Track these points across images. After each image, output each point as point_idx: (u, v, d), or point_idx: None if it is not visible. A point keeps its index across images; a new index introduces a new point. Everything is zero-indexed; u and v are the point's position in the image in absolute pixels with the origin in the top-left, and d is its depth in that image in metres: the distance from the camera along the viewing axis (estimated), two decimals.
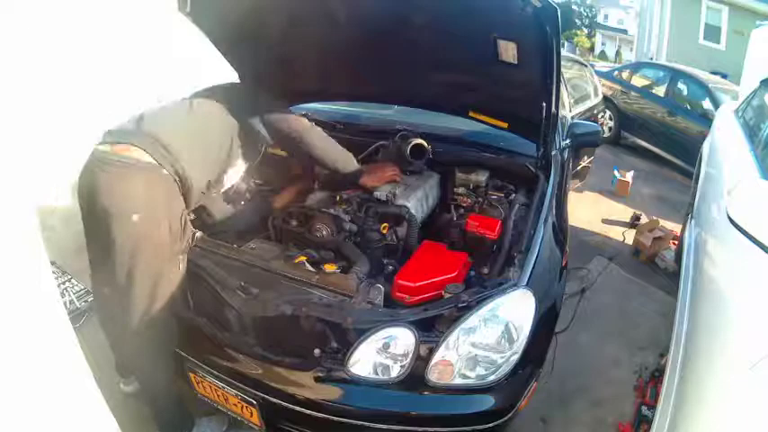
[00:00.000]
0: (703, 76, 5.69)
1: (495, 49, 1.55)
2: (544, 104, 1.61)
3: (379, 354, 1.23)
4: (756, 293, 1.13)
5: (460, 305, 1.23)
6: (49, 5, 2.49)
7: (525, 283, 1.30)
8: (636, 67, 7.09)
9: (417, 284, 1.36)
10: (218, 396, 1.40)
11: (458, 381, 1.22)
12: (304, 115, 2.18)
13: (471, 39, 1.57)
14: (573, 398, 1.92)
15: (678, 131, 5.28)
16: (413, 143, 1.84)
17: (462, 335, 1.22)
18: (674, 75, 5.86)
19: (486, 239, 1.64)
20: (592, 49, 27.08)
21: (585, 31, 27.54)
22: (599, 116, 4.11)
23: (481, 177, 1.90)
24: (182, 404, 1.52)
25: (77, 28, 2.60)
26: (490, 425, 1.26)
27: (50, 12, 2.50)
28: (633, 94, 6.18)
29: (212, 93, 1.53)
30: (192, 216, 1.52)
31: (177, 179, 1.29)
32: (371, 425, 1.23)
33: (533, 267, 1.36)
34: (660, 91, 5.90)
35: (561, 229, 1.72)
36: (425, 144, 1.86)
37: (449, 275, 1.38)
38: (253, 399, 1.31)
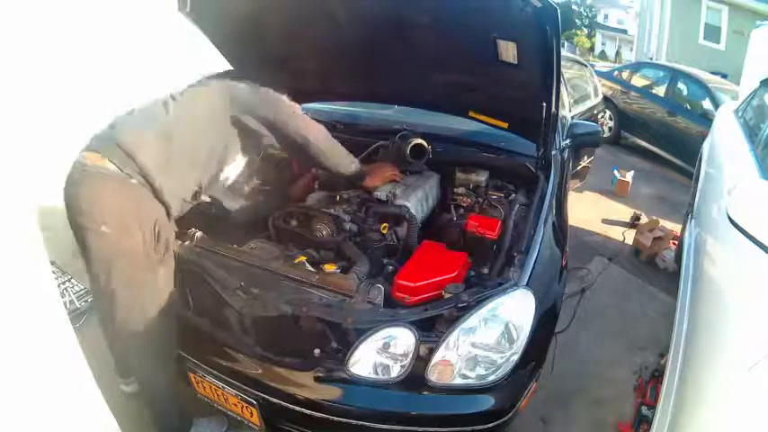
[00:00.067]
0: (703, 76, 5.68)
1: (495, 49, 1.55)
2: (544, 104, 1.61)
3: (379, 354, 1.23)
4: (756, 293, 1.13)
5: (460, 305, 1.23)
6: (49, 5, 2.49)
7: (525, 283, 1.30)
8: (636, 67, 7.09)
9: (417, 284, 1.36)
10: (218, 396, 1.40)
11: (458, 381, 1.22)
12: None
13: (471, 39, 1.57)
14: (573, 398, 1.92)
15: (678, 131, 5.28)
16: (413, 143, 1.84)
17: (462, 335, 1.22)
18: (674, 75, 5.86)
19: (486, 239, 1.63)
20: (592, 49, 27.08)
21: (585, 31, 27.54)
22: (599, 116, 4.11)
23: (481, 177, 1.90)
24: (182, 406, 1.52)
25: (78, 28, 2.61)
26: (490, 425, 1.26)
27: (51, 12, 2.50)
28: (633, 94, 6.18)
29: (198, 91, 1.42)
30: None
31: (148, 188, 1.24)
32: (371, 425, 1.23)
33: (533, 267, 1.36)
34: (660, 91, 5.90)
35: (561, 229, 1.72)
36: (425, 144, 1.86)
37: (449, 275, 1.38)
38: (253, 399, 1.31)
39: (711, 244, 1.73)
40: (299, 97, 2.21)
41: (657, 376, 2.00)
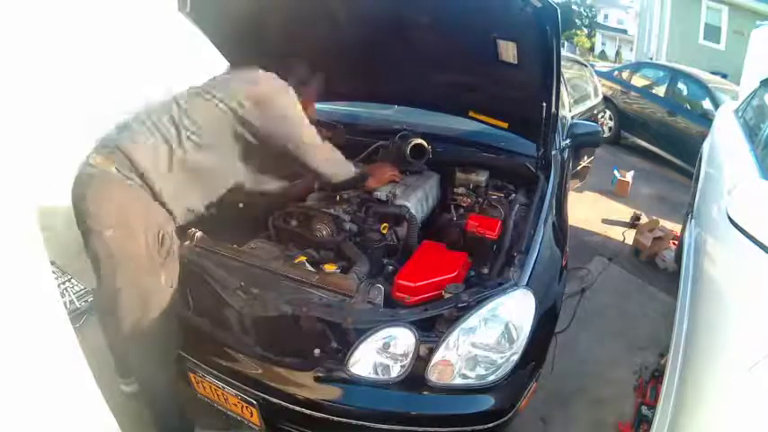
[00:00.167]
0: (703, 76, 5.68)
1: (495, 49, 1.55)
2: (544, 104, 1.61)
3: (379, 354, 1.23)
4: (756, 293, 1.13)
5: (460, 305, 1.23)
6: (50, 5, 2.49)
7: (525, 283, 1.30)
8: (636, 67, 7.09)
9: (417, 284, 1.36)
10: (218, 396, 1.40)
11: (458, 381, 1.22)
12: None
13: (471, 39, 1.57)
14: (573, 398, 1.92)
15: (678, 131, 5.28)
16: (413, 143, 1.84)
17: (462, 335, 1.22)
18: (674, 75, 5.86)
19: (486, 239, 1.64)
20: (592, 49, 27.08)
21: (585, 31, 27.53)
22: (599, 116, 4.11)
23: (481, 177, 1.90)
24: (182, 408, 1.52)
25: (78, 28, 2.61)
26: (490, 425, 1.26)
27: (51, 12, 2.50)
28: (633, 94, 6.17)
29: (204, 100, 1.35)
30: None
31: (147, 189, 1.24)
32: (371, 425, 1.23)
33: (533, 267, 1.36)
34: (660, 91, 5.90)
35: (561, 229, 1.72)
36: (425, 144, 1.86)
37: (449, 275, 1.38)
38: (253, 399, 1.31)
39: (711, 244, 1.73)
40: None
41: (657, 376, 2.00)
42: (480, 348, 1.23)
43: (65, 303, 2.10)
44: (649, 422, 1.69)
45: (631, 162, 5.40)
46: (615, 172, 4.47)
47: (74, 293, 2.22)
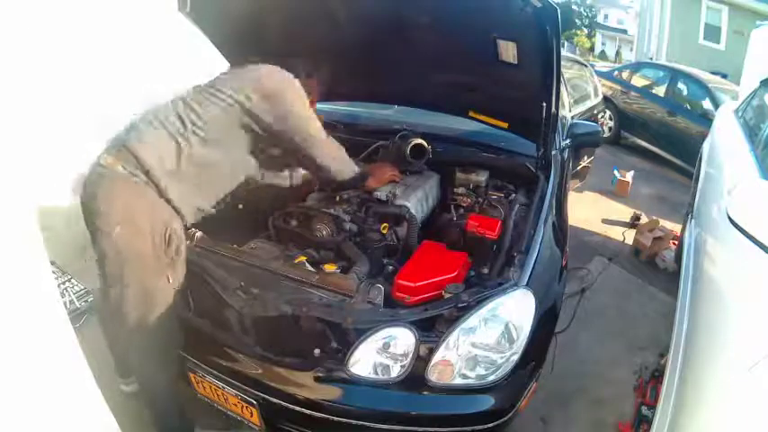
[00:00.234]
0: (703, 76, 5.68)
1: (495, 49, 1.55)
2: (544, 104, 1.61)
3: (379, 354, 1.23)
4: (756, 293, 1.13)
5: (460, 305, 1.23)
6: (50, 5, 2.49)
7: (525, 283, 1.30)
8: (636, 67, 7.09)
9: (417, 284, 1.36)
10: (218, 396, 1.40)
11: (458, 381, 1.22)
12: None
13: (471, 39, 1.57)
14: (573, 398, 1.92)
15: (678, 131, 5.28)
16: (413, 143, 1.84)
17: (462, 335, 1.22)
18: (674, 75, 5.86)
19: (486, 239, 1.64)
20: (592, 49, 27.08)
21: (585, 31, 27.53)
22: (599, 116, 4.11)
23: (481, 177, 1.90)
24: (182, 408, 1.52)
25: (78, 27, 2.61)
26: (490, 425, 1.26)
27: (51, 11, 2.50)
28: (633, 94, 6.17)
29: (212, 98, 1.34)
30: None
31: (155, 189, 1.24)
32: (371, 425, 1.23)
33: (533, 267, 1.36)
34: (660, 91, 5.90)
35: (561, 229, 1.72)
36: (425, 144, 1.86)
37: (449, 275, 1.38)
38: (253, 399, 1.31)
39: (711, 244, 1.73)
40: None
41: (657, 376, 2.00)
42: (480, 348, 1.23)
43: (65, 303, 2.10)
44: (649, 422, 1.69)
45: (631, 162, 5.40)
46: (615, 172, 4.47)
47: (74, 293, 2.22)
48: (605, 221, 3.75)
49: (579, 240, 3.23)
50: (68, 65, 2.55)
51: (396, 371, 1.22)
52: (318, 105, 2.34)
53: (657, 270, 3.07)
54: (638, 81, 6.41)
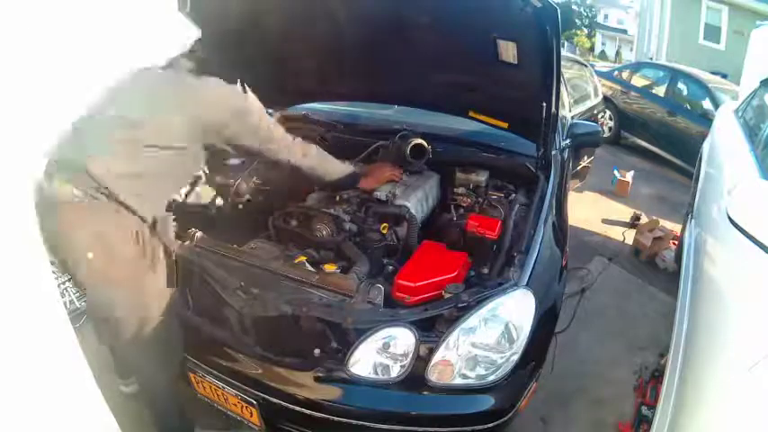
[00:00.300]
0: (703, 76, 5.68)
1: (495, 49, 1.55)
2: (544, 104, 1.61)
3: (379, 354, 1.23)
4: (756, 293, 1.13)
5: (460, 305, 1.23)
6: (49, 5, 2.49)
7: (525, 283, 1.30)
8: (636, 67, 7.08)
9: (417, 284, 1.36)
10: (218, 396, 1.40)
11: (458, 381, 1.23)
12: (304, 115, 2.18)
13: (471, 39, 1.57)
14: (573, 398, 1.92)
15: (678, 131, 5.28)
16: (413, 143, 1.84)
17: (462, 335, 1.22)
18: (674, 75, 5.86)
19: (486, 239, 1.63)
20: (592, 49, 27.07)
21: (585, 31, 27.52)
22: (599, 116, 4.11)
23: (481, 177, 1.90)
24: (182, 408, 1.52)
25: (77, 27, 2.61)
26: (490, 425, 1.26)
27: (51, 11, 2.50)
28: (633, 94, 6.17)
29: (166, 106, 1.28)
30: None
31: (115, 203, 1.18)
32: (371, 425, 1.23)
33: (533, 267, 1.36)
34: (660, 91, 5.90)
35: (561, 229, 1.72)
36: (425, 144, 1.86)
37: (449, 275, 1.38)
38: (253, 399, 1.31)
39: (711, 244, 1.73)
40: (299, 97, 2.22)
41: (657, 376, 2.00)
42: (480, 348, 1.23)
43: (65, 303, 2.10)
44: (649, 422, 1.69)
45: (631, 162, 5.40)
46: (615, 172, 4.47)
47: (74, 293, 2.21)
48: (605, 221, 3.75)
49: (579, 240, 3.23)
50: (69, 65, 2.55)
51: (396, 371, 1.22)
52: (318, 105, 2.35)
53: (657, 270, 3.07)
54: (638, 81, 6.40)
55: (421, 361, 1.22)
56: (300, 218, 1.70)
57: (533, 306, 1.28)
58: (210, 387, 1.40)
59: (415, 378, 1.21)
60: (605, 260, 3.06)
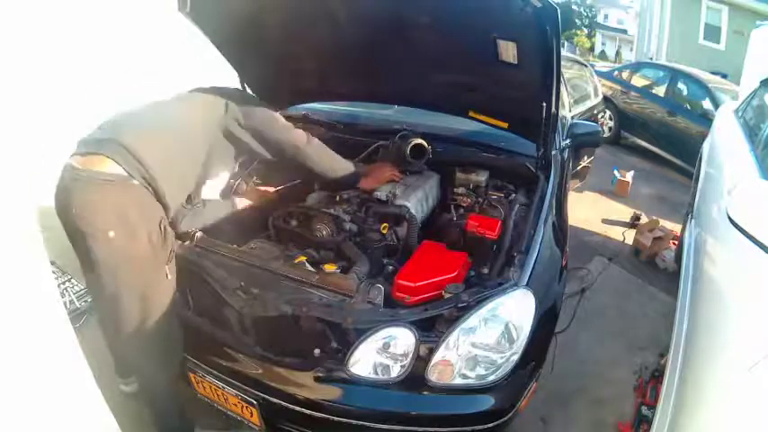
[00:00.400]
0: (703, 76, 5.68)
1: (495, 49, 1.55)
2: (544, 104, 1.61)
3: (379, 354, 1.23)
4: (756, 293, 1.13)
5: (460, 305, 1.23)
6: (50, 5, 2.49)
7: (525, 283, 1.30)
8: (636, 67, 7.08)
9: (417, 284, 1.36)
10: (218, 396, 1.40)
11: (458, 381, 1.22)
12: (304, 115, 2.19)
13: (471, 39, 1.57)
14: (573, 398, 1.92)
15: (678, 131, 5.28)
16: (413, 143, 1.84)
17: (462, 335, 1.22)
18: (674, 75, 5.86)
19: (486, 239, 1.64)
20: (592, 49, 27.08)
21: (585, 31, 27.54)
22: (599, 116, 4.11)
23: (481, 177, 1.90)
24: (182, 408, 1.52)
25: (78, 28, 2.61)
26: (490, 425, 1.26)
27: (51, 12, 2.50)
28: (633, 94, 6.17)
29: (194, 99, 1.46)
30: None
31: (150, 188, 1.24)
32: (371, 425, 1.23)
33: (533, 267, 1.36)
34: (660, 91, 5.90)
35: (561, 229, 1.72)
36: (425, 144, 1.86)
37: (449, 275, 1.38)
38: (253, 399, 1.31)
39: (711, 244, 1.73)
40: (299, 97, 2.22)
41: (657, 376, 2.00)
42: (480, 348, 1.23)
43: (65, 303, 2.10)
44: (649, 422, 1.69)
45: (631, 162, 5.40)
46: (615, 172, 4.47)
47: (74, 293, 2.22)
48: (605, 221, 3.75)
49: (579, 240, 3.23)
50: (69, 64, 2.55)
51: (396, 371, 1.22)
52: (318, 105, 2.35)
53: (657, 270, 3.07)
54: (638, 81, 6.41)
55: (421, 361, 1.22)
56: (300, 218, 1.70)
57: (533, 306, 1.28)
58: (210, 387, 1.40)
59: (415, 378, 1.21)
60: (605, 260, 3.06)
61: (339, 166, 1.67)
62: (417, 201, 1.76)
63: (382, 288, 1.34)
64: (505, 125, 1.90)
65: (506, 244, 1.53)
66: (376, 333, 1.21)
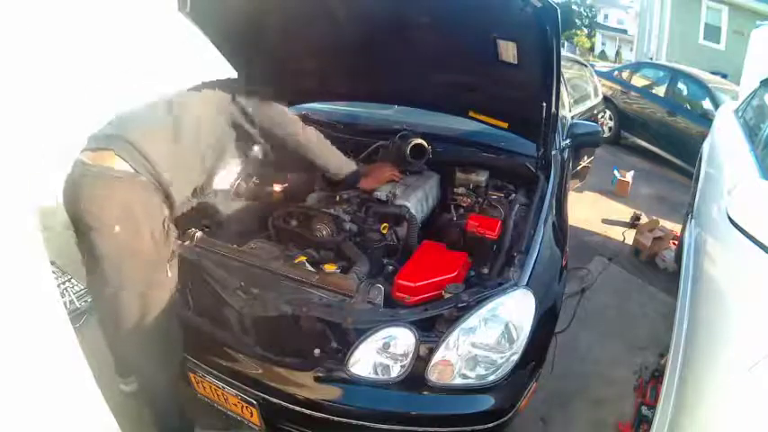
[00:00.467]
0: (703, 76, 5.68)
1: (495, 49, 1.55)
2: (544, 104, 1.61)
3: (379, 354, 1.23)
4: (756, 293, 1.13)
5: (460, 305, 1.23)
6: (50, 5, 2.49)
7: (525, 282, 1.30)
8: (636, 67, 7.09)
9: (417, 284, 1.36)
10: (218, 396, 1.40)
11: (458, 381, 1.23)
12: (304, 115, 2.19)
13: (471, 39, 1.57)
14: (573, 398, 1.92)
15: (678, 131, 5.28)
16: (413, 143, 1.84)
17: (462, 335, 1.22)
18: (674, 75, 5.86)
19: (486, 239, 1.64)
20: (592, 49, 27.08)
21: (585, 31, 27.53)
22: (599, 116, 4.11)
23: (481, 177, 1.90)
24: (182, 408, 1.52)
25: (78, 27, 2.61)
26: (490, 425, 1.26)
27: (52, 11, 2.50)
28: (633, 94, 6.18)
29: (200, 92, 1.46)
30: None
31: (156, 184, 1.25)
32: (371, 425, 1.23)
33: (533, 267, 1.36)
34: (660, 91, 5.90)
35: (561, 229, 1.72)
36: (425, 144, 1.86)
37: (449, 275, 1.38)
38: (253, 399, 1.31)
39: (711, 244, 1.73)
40: (299, 97, 2.22)
41: (657, 376, 2.00)
42: (480, 348, 1.23)
43: (65, 303, 2.10)
44: (649, 422, 1.69)
45: (631, 162, 5.40)
46: (615, 172, 4.47)
47: (74, 293, 2.22)
48: (605, 221, 3.75)
49: (579, 240, 3.23)
50: (69, 64, 2.55)
51: (396, 371, 1.22)
52: (318, 105, 2.35)
53: (657, 270, 3.07)
54: (638, 81, 6.41)
55: (421, 361, 1.22)
56: (300, 218, 1.70)
57: (533, 306, 1.28)
58: (210, 387, 1.40)
59: (415, 378, 1.21)
60: (605, 260, 3.06)
61: (340, 161, 1.68)
62: (417, 201, 1.76)
63: (382, 288, 1.34)
64: (505, 125, 1.90)
65: (506, 244, 1.53)
66: (376, 333, 1.21)
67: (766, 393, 0.93)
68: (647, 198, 4.45)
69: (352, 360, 1.22)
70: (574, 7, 26.68)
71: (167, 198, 1.28)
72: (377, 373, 1.23)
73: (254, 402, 1.31)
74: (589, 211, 3.86)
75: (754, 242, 1.10)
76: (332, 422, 1.24)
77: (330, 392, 1.24)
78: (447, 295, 1.29)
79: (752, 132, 2.28)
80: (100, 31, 2.69)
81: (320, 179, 1.90)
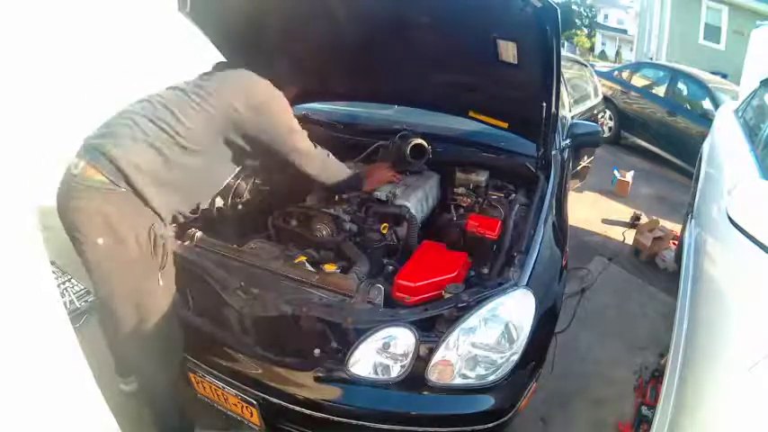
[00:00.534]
0: (703, 76, 5.68)
1: (495, 49, 1.55)
2: (544, 104, 1.61)
3: (379, 354, 1.23)
4: (756, 293, 1.13)
5: (460, 305, 1.23)
6: (50, 5, 2.49)
7: (525, 283, 1.31)
8: (636, 67, 7.09)
9: (417, 284, 1.36)
10: (218, 396, 1.40)
11: (458, 381, 1.22)
12: (304, 115, 2.19)
13: (471, 39, 1.57)
14: (573, 398, 1.92)
15: (678, 131, 5.28)
16: (413, 143, 1.84)
17: (462, 335, 1.22)
18: (674, 75, 5.86)
19: (486, 239, 1.64)
20: (592, 49, 27.08)
21: (585, 31, 27.54)
22: (599, 116, 4.11)
23: (481, 177, 1.90)
24: (182, 408, 1.52)
25: (78, 28, 2.61)
26: (490, 425, 1.26)
27: (52, 12, 2.50)
28: (633, 94, 6.18)
29: (198, 99, 1.33)
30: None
31: (137, 195, 1.21)
32: (371, 425, 1.23)
33: (533, 267, 1.36)
34: (660, 91, 5.90)
35: (561, 229, 1.72)
36: (425, 144, 1.86)
37: (449, 275, 1.38)
38: (253, 399, 1.31)
39: (711, 244, 1.73)
40: (299, 97, 2.21)
41: (657, 376, 2.00)
42: (480, 348, 1.23)
43: (65, 303, 2.10)
44: (649, 422, 1.69)
45: (631, 162, 5.40)
46: (615, 172, 4.47)
47: (74, 293, 2.22)
48: (605, 221, 3.75)
49: (579, 240, 3.23)
50: (69, 64, 2.55)
51: (396, 371, 1.22)
52: (318, 105, 2.35)
53: (657, 270, 3.07)
54: (638, 81, 6.41)
55: (421, 361, 1.22)
56: (300, 218, 1.70)
57: (533, 306, 1.28)
58: (210, 387, 1.40)
59: (415, 378, 1.21)
60: (605, 260, 3.06)
61: (342, 177, 1.60)
62: (417, 201, 1.76)
63: (382, 288, 1.34)
64: (505, 125, 1.90)
65: (506, 244, 1.53)
66: (376, 333, 1.21)
67: (766, 393, 0.93)
68: (647, 198, 4.45)
69: (352, 360, 1.22)
70: (574, 7, 26.68)
71: (152, 209, 1.24)
72: (377, 373, 1.23)
73: (254, 402, 1.31)
74: (589, 211, 3.85)
75: (754, 242, 1.10)
76: (332, 422, 1.24)
77: (330, 392, 1.24)
78: (447, 295, 1.29)
79: (752, 132, 2.28)
80: (100, 31, 2.69)
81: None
